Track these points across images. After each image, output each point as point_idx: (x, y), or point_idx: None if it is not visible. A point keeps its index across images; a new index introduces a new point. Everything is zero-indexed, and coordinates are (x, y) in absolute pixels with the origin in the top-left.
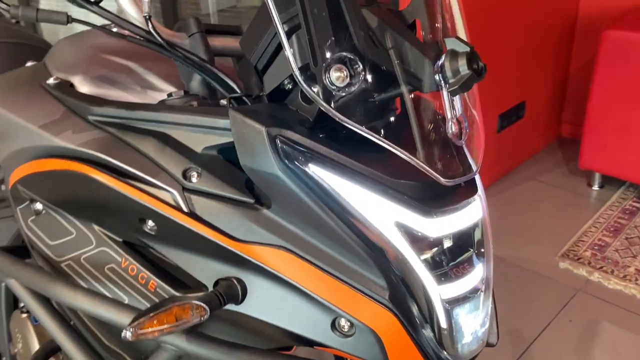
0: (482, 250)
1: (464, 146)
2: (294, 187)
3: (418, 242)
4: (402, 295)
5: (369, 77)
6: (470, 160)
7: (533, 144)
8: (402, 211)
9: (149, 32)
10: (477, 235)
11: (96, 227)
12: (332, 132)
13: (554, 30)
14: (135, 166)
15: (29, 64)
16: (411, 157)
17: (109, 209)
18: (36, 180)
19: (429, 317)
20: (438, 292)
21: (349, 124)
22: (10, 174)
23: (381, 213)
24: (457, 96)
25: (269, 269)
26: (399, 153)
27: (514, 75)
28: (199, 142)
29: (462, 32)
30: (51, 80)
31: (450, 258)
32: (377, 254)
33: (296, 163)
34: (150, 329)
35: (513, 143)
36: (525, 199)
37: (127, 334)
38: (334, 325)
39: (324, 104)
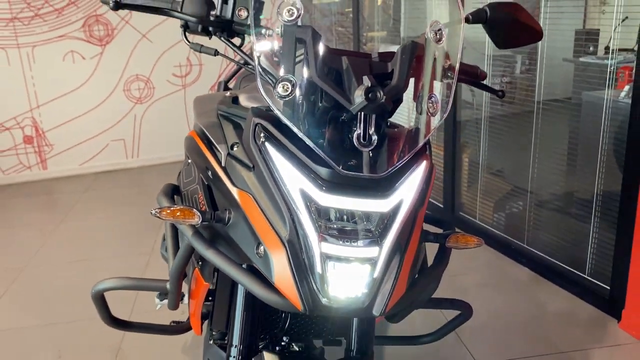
0: (384, 241)
1: (378, 153)
2: (257, 158)
3: (314, 207)
4: (297, 241)
5: (304, 92)
6: (383, 167)
7: None
8: (305, 182)
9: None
10: (390, 226)
11: (200, 174)
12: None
13: None
14: (214, 137)
15: None
16: (314, 146)
17: (200, 161)
18: (187, 143)
19: (311, 263)
20: (318, 244)
21: (279, 116)
22: None
23: (293, 181)
24: (373, 115)
25: (240, 205)
26: (307, 141)
27: None
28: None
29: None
30: (227, 94)
31: (339, 227)
32: (290, 209)
33: (261, 141)
34: (165, 215)
35: None
36: None
37: (152, 212)
38: (257, 249)
39: (269, 101)
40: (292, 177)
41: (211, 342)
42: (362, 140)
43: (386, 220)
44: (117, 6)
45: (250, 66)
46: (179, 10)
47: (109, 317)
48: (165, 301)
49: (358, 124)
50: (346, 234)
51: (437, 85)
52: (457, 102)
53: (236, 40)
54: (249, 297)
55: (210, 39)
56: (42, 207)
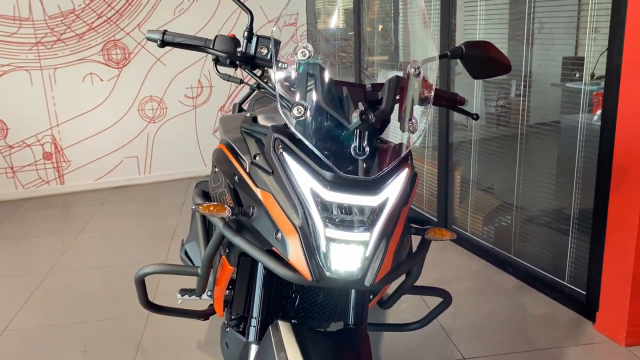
0: (373, 228)
1: (370, 161)
2: (276, 164)
3: (320, 201)
4: (308, 228)
5: (313, 113)
6: (374, 172)
7: None
8: (314, 182)
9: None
10: (379, 217)
11: (226, 179)
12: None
13: None
14: (240, 149)
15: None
16: (321, 155)
17: (227, 169)
18: (215, 154)
19: (318, 244)
20: (323, 230)
21: (294, 132)
22: None
23: (305, 182)
24: (366, 132)
25: (263, 202)
26: (315, 151)
27: None
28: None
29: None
30: (247, 114)
31: (340, 218)
32: (301, 203)
33: (279, 151)
34: (202, 209)
35: None
36: None
37: (193, 207)
38: (276, 235)
39: (286, 120)
40: (304, 179)
41: (227, 329)
42: (357, 151)
43: (375, 213)
44: (164, 44)
45: (263, 90)
46: (212, 47)
47: (146, 301)
48: (187, 296)
49: (354, 139)
50: (345, 223)
51: (418, 109)
52: (449, 124)
53: (257, 71)
54: (267, 277)
55: (235, 70)
56: (61, 218)
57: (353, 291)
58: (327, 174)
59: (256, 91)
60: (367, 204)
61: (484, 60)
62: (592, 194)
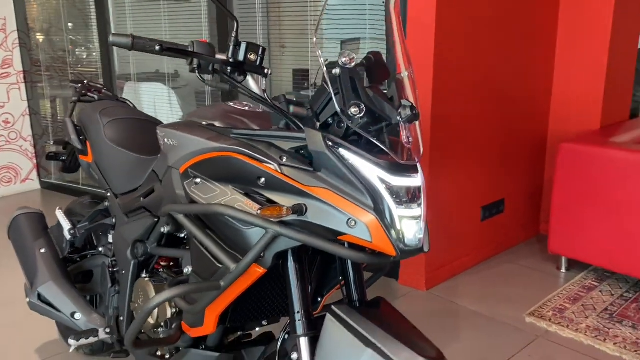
0: (420, 202)
1: (412, 149)
2: (334, 159)
3: (388, 187)
4: (381, 210)
5: (367, 113)
6: (416, 157)
7: (513, 237)
8: (381, 172)
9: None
10: (422, 194)
11: (230, 186)
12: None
13: (529, 144)
14: (260, 154)
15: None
16: (384, 148)
17: (241, 174)
18: (199, 165)
19: (393, 223)
20: (396, 210)
21: (359, 130)
22: (180, 166)
23: (372, 172)
24: (409, 125)
25: (320, 197)
26: (379, 145)
27: (494, 175)
28: (287, 145)
29: (411, 98)
30: (204, 123)
31: (404, 198)
32: (370, 191)
33: (334, 149)
34: (268, 214)
35: (495, 232)
36: (503, 276)
37: (258, 213)
38: (347, 223)
39: (348, 122)
40: (370, 169)
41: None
42: (406, 140)
43: (418, 190)
44: (157, 51)
45: (249, 95)
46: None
47: (136, 339)
48: (82, 340)
49: (402, 130)
50: (405, 202)
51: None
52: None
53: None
54: (300, 270)
55: (212, 77)
56: None
57: (352, 270)
58: (387, 163)
59: (95, 103)
60: (418, 184)
61: (375, 68)
62: None
